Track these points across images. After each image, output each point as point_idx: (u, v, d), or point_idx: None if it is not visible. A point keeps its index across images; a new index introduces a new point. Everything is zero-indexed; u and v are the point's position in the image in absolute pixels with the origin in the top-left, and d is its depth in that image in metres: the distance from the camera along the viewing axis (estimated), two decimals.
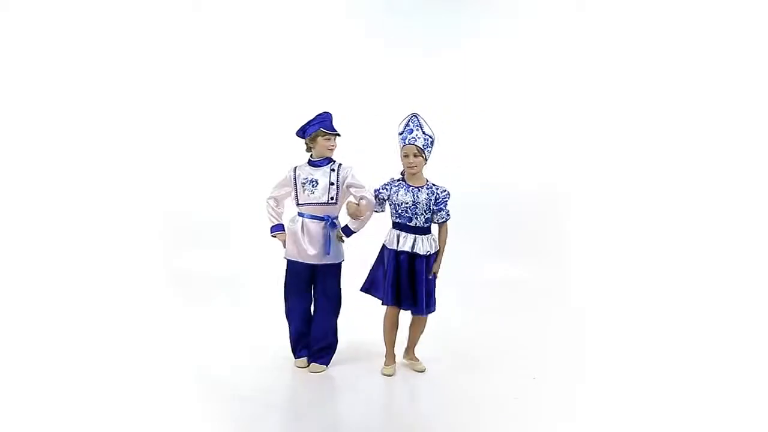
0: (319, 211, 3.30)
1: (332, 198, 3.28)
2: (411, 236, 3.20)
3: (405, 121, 3.23)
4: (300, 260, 3.31)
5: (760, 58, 5.09)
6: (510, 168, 5.58)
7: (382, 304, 3.29)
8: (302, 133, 3.37)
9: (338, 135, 3.35)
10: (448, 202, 3.24)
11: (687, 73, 5.28)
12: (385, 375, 3.35)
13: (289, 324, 3.45)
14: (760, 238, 4.95)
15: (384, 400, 3.11)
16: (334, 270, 3.37)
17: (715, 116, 5.21)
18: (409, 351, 3.51)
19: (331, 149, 3.33)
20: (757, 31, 5.08)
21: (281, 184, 3.39)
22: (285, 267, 3.40)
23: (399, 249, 3.20)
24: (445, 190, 3.24)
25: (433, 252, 3.23)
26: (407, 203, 3.18)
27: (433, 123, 3.28)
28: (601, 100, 5.53)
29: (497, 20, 5.75)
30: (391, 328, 3.36)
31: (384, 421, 2.90)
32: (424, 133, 3.17)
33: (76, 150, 5.23)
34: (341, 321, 3.47)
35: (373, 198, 3.27)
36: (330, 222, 3.30)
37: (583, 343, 3.90)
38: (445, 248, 3.28)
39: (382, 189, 3.28)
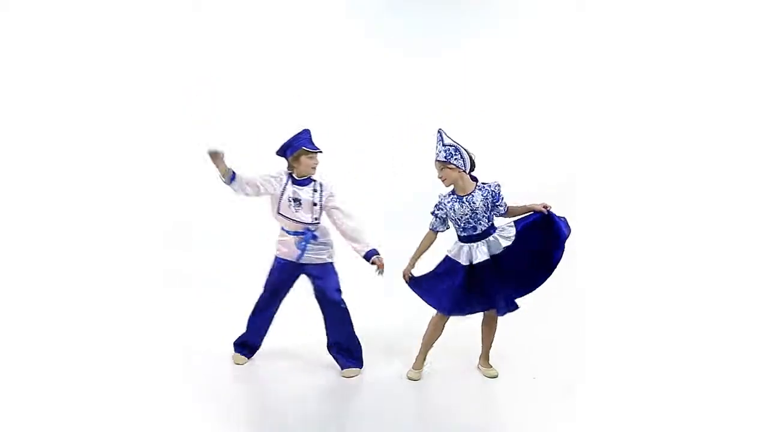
0: (301, 228, 3.33)
1: (316, 218, 3.34)
2: (483, 243, 3.17)
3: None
4: (286, 258, 3.38)
5: (760, 58, 5.09)
6: (510, 168, 5.56)
7: (448, 314, 3.27)
8: (283, 152, 3.38)
9: (320, 152, 3.36)
10: (501, 192, 3.22)
11: (688, 72, 5.28)
12: (410, 379, 3.34)
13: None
14: (763, 238, 4.94)
15: (384, 400, 3.11)
16: (329, 269, 3.40)
17: (717, 116, 5.20)
18: (486, 357, 3.47)
19: (314, 167, 3.35)
20: (757, 31, 5.08)
21: (266, 182, 3.31)
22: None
23: (476, 262, 3.15)
24: (496, 184, 3.23)
25: (511, 241, 3.15)
26: (467, 214, 3.16)
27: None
28: (601, 99, 5.52)
29: (497, 20, 5.75)
30: (434, 333, 3.36)
31: (383, 420, 2.90)
32: (444, 145, 3.16)
33: (73, 151, 5.23)
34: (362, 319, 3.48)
35: (353, 222, 3.34)
36: (310, 235, 3.33)
37: (583, 343, 3.89)
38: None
39: (437, 210, 3.26)
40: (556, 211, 3.19)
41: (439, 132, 3.20)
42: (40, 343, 3.65)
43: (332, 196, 3.36)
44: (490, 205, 3.18)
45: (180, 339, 3.84)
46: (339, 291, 3.37)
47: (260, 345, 3.57)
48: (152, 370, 3.36)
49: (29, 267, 4.75)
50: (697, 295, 4.59)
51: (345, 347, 3.40)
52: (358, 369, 3.38)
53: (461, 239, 3.22)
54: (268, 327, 3.54)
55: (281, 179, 3.32)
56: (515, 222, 3.21)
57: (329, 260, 3.40)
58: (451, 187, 3.24)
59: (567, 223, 3.16)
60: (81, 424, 2.77)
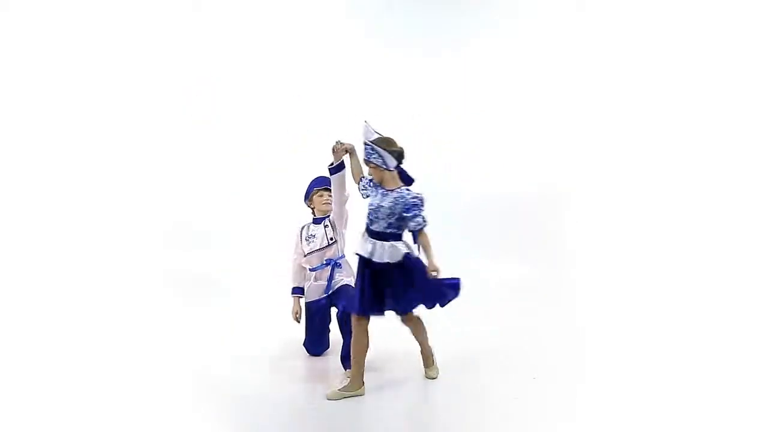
0: (322, 259, 3.54)
1: (331, 239, 3.54)
2: (371, 241, 3.00)
3: None
4: (311, 300, 3.58)
5: (759, 58, 5.09)
6: (510, 168, 5.58)
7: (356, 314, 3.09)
8: (305, 199, 3.66)
9: (328, 189, 3.52)
10: (422, 208, 2.98)
11: (687, 72, 5.28)
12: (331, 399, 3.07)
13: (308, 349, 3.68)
14: (760, 237, 4.95)
15: (384, 400, 3.11)
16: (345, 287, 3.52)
17: (714, 116, 5.21)
18: (427, 360, 3.33)
19: (327, 203, 3.56)
20: (756, 31, 5.08)
21: (296, 246, 3.63)
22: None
23: (356, 251, 3.07)
24: (416, 196, 2.97)
25: (395, 262, 2.97)
26: (373, 206, 3.01)
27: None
28: (601, 99, 5.52)
29: (497, 20, 5.75)
30: (359, 342, 3.09)
31: (384, 421, 2.90)
32: (364, 144, 3.00)
33: (75, 152, 5.23)
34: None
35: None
36: (334, 263, 3.53)
37: (583, 343, 3.89)
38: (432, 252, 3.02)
39: (362, 187, 3.14)
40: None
41: (365, 124, 3.03)
42: (39, 343, 3.66)
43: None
44: (397, 213, 2.95)
45: (180, 339, 3.83)
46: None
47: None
48: (152, 370, 3.36)
49: (30, 267, 4.75)
50: (695, 295, 4.59)
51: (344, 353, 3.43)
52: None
53: (365, 228, 3.06)
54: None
55: (297, 232, 3.65)
56: (407, 255, 3.02)
57: (349, 281, 3.55)
58: None
59: (455, 287, 3.06)
60: (81, 423, 2.76)
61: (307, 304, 3.59)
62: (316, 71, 5.67)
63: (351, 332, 3.22)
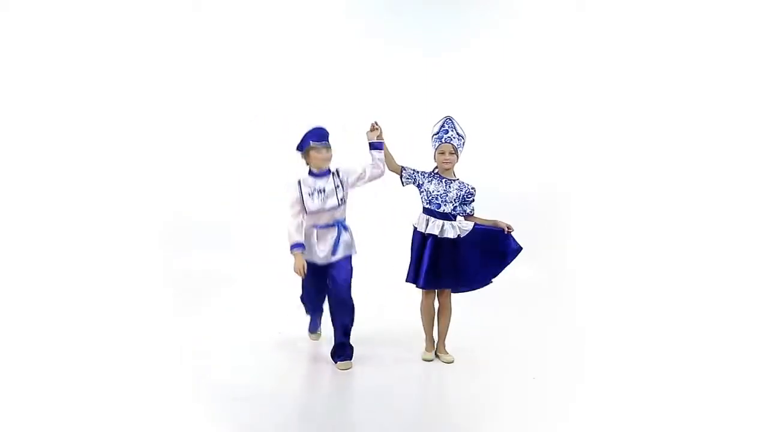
0: (330, 218, 3.43)
1: (342, 199, 3.44)
2: (440, 221, 3.48)
3: (440, 123, 3.55)
4: (312, 261, 3.45)
5: (760, 58, 5.08)
6: (510, 168, 5.58)
7: (417, 287, 3.54)
8: (299, 147, 3.48)
9: (325, 144, 3.42)
10: (474, 198, 3.58)
11: (687, 72, 5.27)
12: (424, 360, 3.58)
13: (305, 303, 3.75)
14: (760, 238, 4.94)
15: (384, 398, 3.11)
16: (344, 264, 3.47)
17: (715, 116, 5.20)
18: (439, 345, 3.66)
19: (326, 160, 3.42)
20: (757, 31, 5.07)
21: (295, 202, 3.41)
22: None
23: (427, 232, 3.48)
24: (473, 187, 3.58)
25: (457, 235, 3.50)
26: (439, 192, 3.49)
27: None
28: (601, 100, 5.52)
29: (497, 20, 5.74)
30: (426, 312, 3.63)
31: (384, 419, 2.90)
32: (458, 133, 3.53)
33: (76, 152, 5.22)
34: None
35: (376, 169, 3.55)
36: (340, 225, 3.47)
37: (583, 343, 3.90)
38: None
39: (413, 171, 3.58)
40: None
41: (451, 119, 3.54)
42: (39, 342, 3.66)
43: (349, 172, 3.48)
44: (461, 199, 3.53)
45: (179, 339, 3.84)
46: (349, 287, 3.47)
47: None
48: (152, 370, 3.36)
49: (30, 269, 4.75)
50: (695, 295, 4.59)
51: (346, 342, 3.46)
52: (350, 362, 3.44)
53: (424, 210, 3.55)
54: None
55: (294, 187, 3.41)
56: (476, 225, 3.58)
57: (353, 252, 3.54)
58: (434, 165, 3.58)
59: (518, 244, 3.63)
60: (80, 423, 2.77)
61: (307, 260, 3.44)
62: (316, 72, 5.66)
63: (342, 312, 3.41)
